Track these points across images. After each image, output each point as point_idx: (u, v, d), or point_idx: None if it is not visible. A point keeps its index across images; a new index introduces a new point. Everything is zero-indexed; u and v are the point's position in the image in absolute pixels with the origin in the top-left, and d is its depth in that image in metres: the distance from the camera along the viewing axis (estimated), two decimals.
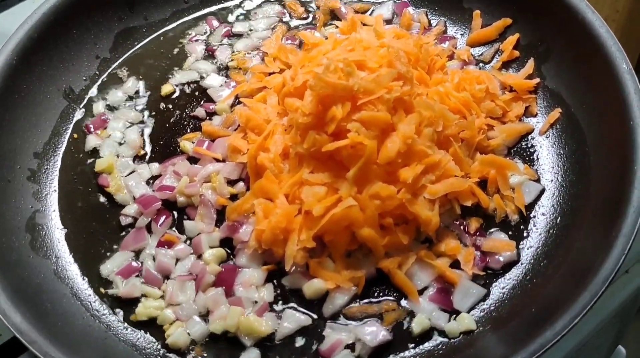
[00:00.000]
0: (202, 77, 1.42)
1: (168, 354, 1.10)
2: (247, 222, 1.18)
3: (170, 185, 1.26)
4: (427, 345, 1.08)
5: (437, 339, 1.08)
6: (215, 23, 1.51)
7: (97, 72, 1.43)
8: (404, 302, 1.12)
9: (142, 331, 1.13)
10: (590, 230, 1.11)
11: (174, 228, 1.22)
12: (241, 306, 1.12)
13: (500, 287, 1.13)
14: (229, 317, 1.10)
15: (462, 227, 1.17)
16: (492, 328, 1.08)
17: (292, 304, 1.13)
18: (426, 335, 1.09)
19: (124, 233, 1.23)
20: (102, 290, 1.17)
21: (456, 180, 1.16)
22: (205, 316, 1.13)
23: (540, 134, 1.28)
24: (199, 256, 1.19)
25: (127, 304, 1.15)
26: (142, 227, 1.22)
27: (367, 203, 1.10)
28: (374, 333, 1.07)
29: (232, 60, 1.45)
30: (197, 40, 1.48)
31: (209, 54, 1.46)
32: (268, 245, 1.14)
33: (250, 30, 1.50)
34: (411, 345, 1.08)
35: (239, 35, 1.49)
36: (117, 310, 1.15)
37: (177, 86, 1.41)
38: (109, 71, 1.44)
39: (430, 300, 1.11)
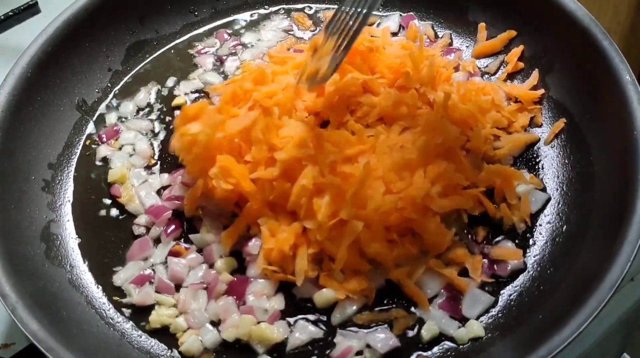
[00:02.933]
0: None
1: None
2: (255, 236, 1.20)
3: (179, 195, 1.28)
4: (437, 351, 1.10)
5: (445, 345, 1.10)
6: (225, 36, 1.54)
7: (109, 85, 1.45)
8: (413, 309, 1.13)
9: (156, 339, 1.14)
10: (596, 238, 1.14)
11: (181, 240, 1.24)
12: (252, 315, 1.13)
13: (508, 294, 1.14)
14: (241, 326, 1.12)
15: (469, 236, 1.19)
16: (500, 334, 1.09)
17: (303, 315, 1.14)
18: (435, 341, 1.10)
19: None
20: (116, 299, 1.18)
21: (463, 197, 1.18)
22: (217, 324, 1.15)
23: (546, 144, 1.30)
24: (211, 266, 1.20)
25: (141, 312, 1.17)
26: (146, 237, 1.25)
27: (372, 219, 1.12)
28: (384, 340, 1.09)
29: (238, 69, 1.47)
30: (206, 53, 1.51)
31: (218, 65, 1.49)
32: (278, 263, 1.16)
33: (258, 40, 1.53)
34: (420, 352, 1.10)
35: (247, 47, 1.52)
36: (131, 318, 1.17)
37: (187, 95, 1.44)
38: (121, 83, 1.46)
39: (440, 308, 1.13)
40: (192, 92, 1.45)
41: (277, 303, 1.15)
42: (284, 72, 1.34)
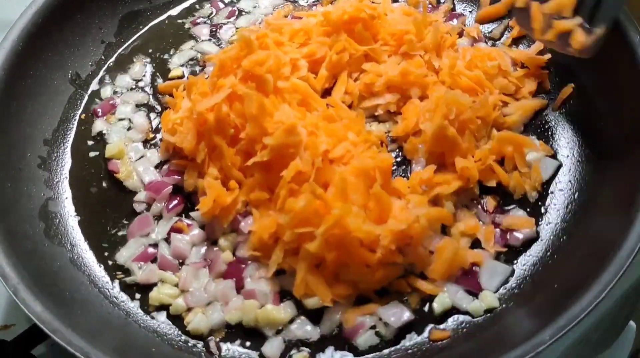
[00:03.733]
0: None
1: (189, 340, 1.09)
2: (247, 216, 1.16)
3: (179, 169, 1.24)
4: (451, 324, 1.07)
5: (459, 318, 1.08)
6: (221, 4, 1.50)
7: (103, 57, 1.41)
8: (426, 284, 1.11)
9: (163, 317, 1.11)
10: (610, 205, 1.11)
11: (183, 216, 1.21)
12: (255, 298, 1.10)
13: (521, 264, 1.12)
14: (245, 312, 1.09)
15: (479, 205, 1.17)
16: (516, 305, 1.07)
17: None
18: (449, 314, 1.08)
19: None
20: (120, 277, 1.15)
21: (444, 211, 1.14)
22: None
23: (554, 110, 1.28)
24: (214, 242, 1.17)
25: (146, 290, 1.14)
26: (146, 213, 1.21)
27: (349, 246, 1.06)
28: (398, 314, 1.06)
29: (233, 36, 1.44)
30: (201, 22, 1.47)
31: (214, 34, 1.45)
32: (259, 249, 1.12)
33: (255, 7, 1.49)
34: (434, 325, 1.08)
35: (243, 14, 1.48)
36: (136, 295, 1.14)
37: (183, 66, 1.40)
38: (115, 55, 1.42)
39: (456, 283, 1.10)
40: (188, 63, 1.41)
41: (275, 284, 1.11)
42: (281, 43, 1.29)
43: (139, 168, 1.26)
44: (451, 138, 1.15)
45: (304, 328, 1.07)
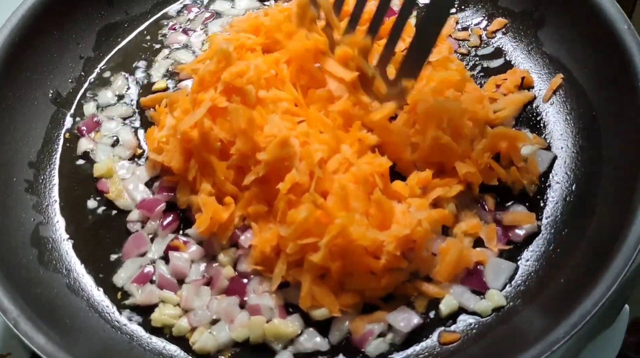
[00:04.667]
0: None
1: None
2: (246, 229, 1.14)
3: (170, 186, 1.21)
4: (460, 326, 1.07)
5: (468, 319, 1.07)
6: (196, 10, 1.48)
7: (82, 73, 1.38)
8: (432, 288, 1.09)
9: (167, 339, 1.09)
10: (610, 195, 1.11)
11: (179, 232, 1.18)
12: (260, 313, 1.08)
13: (525, 260, 1.12)
14: (252, 329, 1.07)
15: (479, 205, 1.16)
16: (523, 302, 1.07)
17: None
18: (457, 315, 1.07)
19: None
20: (120, 300, 1.13)
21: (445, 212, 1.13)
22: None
23: (544, 102, 1.27)
24: (213, 257, 1.15)
25: (148, 312, 1.11)
26: (141, 232, 1.18)
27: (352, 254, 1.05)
28: (407, 319, 1.05)
29: (204, 42, 1.42)
30: (174, 30, 1.44)
31: (187, 42, 1.43)
32: (261, 263, 1.10)
33: (232, 7, 1.48)
34: (442, 327, 1.07)
35: (215, 19, 1.46)
36: (138, 318, 1.11)
37: (165, 77, 1.37)
38: (96, 70, 1.39)
39: (461, 283, 1.09)
40: (167, 73, 1.38)
41: (279, 298, 1.10)
42: (252, 48, 1.26)
43: (129, 186, 1.23)
44: (447, 146, 1.13)
45: (314, 340, 1.06)
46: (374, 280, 1.07)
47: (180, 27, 1.45)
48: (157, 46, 1.42)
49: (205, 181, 1.15)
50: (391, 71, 1.17)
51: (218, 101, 1.13)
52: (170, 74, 1.38)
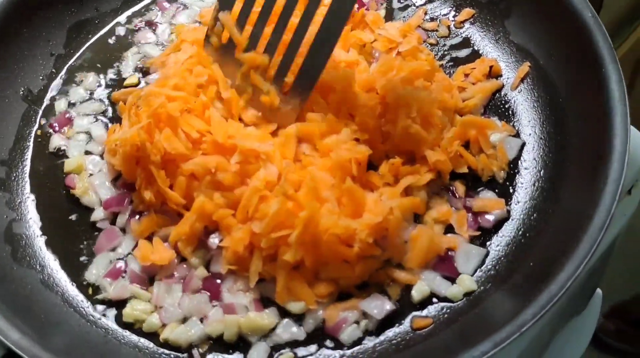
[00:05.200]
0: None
1: (171, 352, 1.08)
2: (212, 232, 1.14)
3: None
4: (432, 311, 1.08)
5: (439, 305, 1.09)
6: (166, 4, 1.48)
7: (53, 70, 1.38)
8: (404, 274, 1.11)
9: (139, 334, 1.09)
10: (577, 180, 1.13)
11: None
12: (235, 313, 1.08)
13: (495, 245, 1.13)
14: (227, 327, 1.07)
15: (449, 192, 1.17)
16: (493, 286, 1.08)
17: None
18: (429, 301, 1.09)
19: None
20: (92, 295, 1.13)
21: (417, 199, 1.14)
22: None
23: (512, 90, 1.29)
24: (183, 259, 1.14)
25: (122, 306, 1.11)
26: (113, 227, 1.18)
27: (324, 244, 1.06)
28: (380, 305, 1.07)
29: (172, 33, 1.42)
30: (143, 26, 1.45)
31: (154, 36, 1.44)
32: (235, 263, 1.10)
33: (201, 0, 1.48)
34: (415, 313, 1.08)
35: (182, 10, 1.47)
36: (112, 312, 1.11)
37: (136, 71, 1.37)
38: (66, 67, 1.38)
39: (433, 269, 1.11)
40: (137, 69, 1.38)
41: (254, 293, 1.10)
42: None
43: (95, 182, 1.23)
44: (417, 135, 1.15)
45: (291, 331, 1.07)
46: (348, 268, 1.08)
47: (150, 22, 1.45)
48: (127, 42, 1.42)
49: (148, 190, 1.15)
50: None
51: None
52: (141, 69, 1.38)
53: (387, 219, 1.07)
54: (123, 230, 1.19)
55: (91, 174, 1.24)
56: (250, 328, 1.06)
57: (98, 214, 1.20)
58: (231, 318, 1.07)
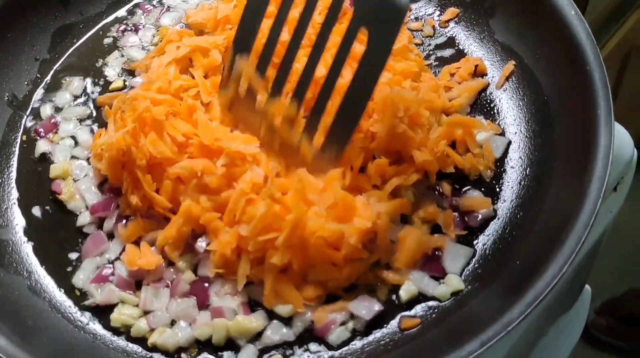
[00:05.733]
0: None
1: (160, 357, 1.08)
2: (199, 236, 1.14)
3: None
4: (420, 310, 1.08)
5: (427, 304, 1.09)
6: (149, 7, 1.48)
7: (38, 75, 1.37)
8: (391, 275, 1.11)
9: (129, 339, 1.09)
10: (562, 178, 1.13)
11: None
12: (224, 316, 1.08)
13: (482, 244, 1.14)
14: (215, 330, 1.07)
15: (436, 191, 1.18)
16: (480, 285, 1.09)
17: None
18: (417, 301, 1.09)
19: None
20: (80, 300, 1.13)
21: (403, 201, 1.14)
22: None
23: (497, 88, 1.30)
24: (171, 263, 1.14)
25: (108, 311, 1.11)
26: (99, 231, 1.18)
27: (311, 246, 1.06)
28: (368, 306, 1.07)
29: (156, 36, 1.42)
30: (129, 29, 1.45)
31: (137, 39, 1.44)
32: (222, 267, 1.10)
33: (184, 2, 1.48)
34: (403, 313, 1.08)
35: (166, 12, 1.47)
36: (100, 318, 1.11)
37: (120, 76, 1.37)
38: (51, 72, 1.38)
39: (420, 269, 1.11)
40: (122, 72, 1.38)
41: (243, 297, 1.10)
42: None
43: (81, 187, 1.22)
44: (404, 135, 1.15)
45: (280, 332, 1.07)
46: (336, 271, 1.08)
47: (134, 26, 1.45)
48: (112, 46, 1.42)
49: (134, 194, 1.15)
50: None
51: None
52: (126, 73, 1.37)
53: (376, 224, 1.07)
54: (110, 235, 1.18)
55: (77, 180, 1.24)
56: (239, 332, 1.06)
57: (84, 219, 1.20)
58: (219, 321, 1.07)
